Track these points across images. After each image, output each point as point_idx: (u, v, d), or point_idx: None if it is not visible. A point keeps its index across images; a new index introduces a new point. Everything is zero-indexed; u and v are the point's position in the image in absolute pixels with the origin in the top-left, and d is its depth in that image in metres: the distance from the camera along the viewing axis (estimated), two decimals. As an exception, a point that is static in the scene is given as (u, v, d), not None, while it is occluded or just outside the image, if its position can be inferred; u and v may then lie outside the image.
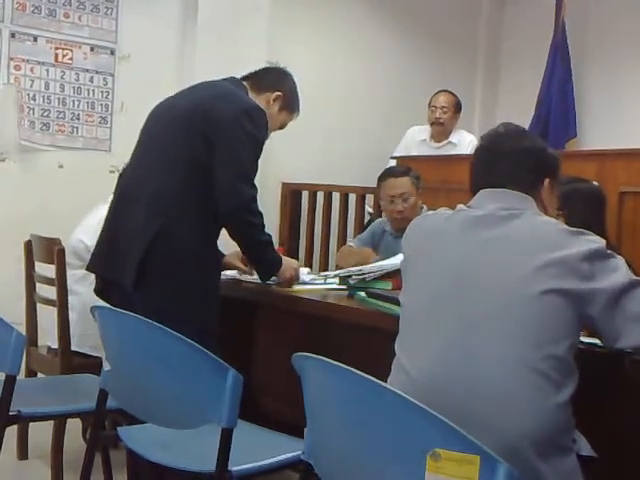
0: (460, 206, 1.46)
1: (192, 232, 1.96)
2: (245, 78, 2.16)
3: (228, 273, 2.34)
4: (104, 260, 2.06)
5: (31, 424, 2.57)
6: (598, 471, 1.32)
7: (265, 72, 2.19)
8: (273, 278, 2.17)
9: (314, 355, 1.17)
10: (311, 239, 4.04)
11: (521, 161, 1.45)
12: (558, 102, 4.41)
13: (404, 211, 2.68)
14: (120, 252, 1.98)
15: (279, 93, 2.15)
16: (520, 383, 1.21)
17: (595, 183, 2.43)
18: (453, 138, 4.03)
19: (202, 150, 1.96)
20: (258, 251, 2.08)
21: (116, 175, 2.27)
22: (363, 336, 1.96)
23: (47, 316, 2.61)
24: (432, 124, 4.03)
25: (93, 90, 3.58)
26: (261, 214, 2.01)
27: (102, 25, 3.59)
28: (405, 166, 2.99)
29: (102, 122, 3.61)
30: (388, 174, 2.79)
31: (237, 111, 1.97)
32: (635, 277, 1.31)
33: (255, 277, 2.22)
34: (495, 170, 1.46)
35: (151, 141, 2.08)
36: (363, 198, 3.86)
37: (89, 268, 2.13)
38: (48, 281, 2.53)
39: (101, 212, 2.24)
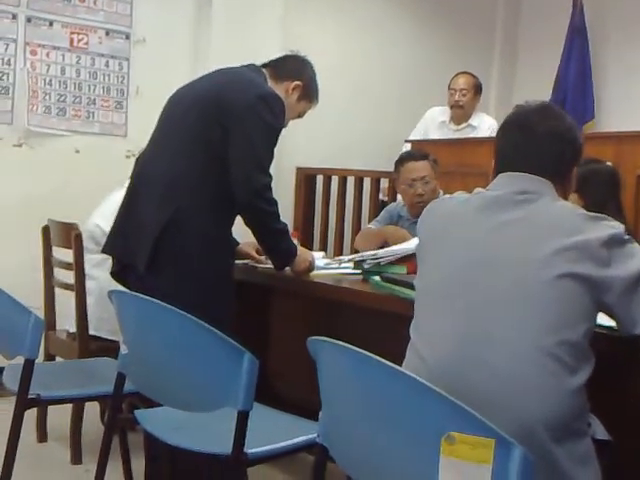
0: (478, 189, 1.43)
1: (207, 218, 1.97)
2: (265, 65, 2.15)
3: (242, 262, 2.33)
4: (119, 243, 2.07)
5: (50, 407, 2.60)
6: (613, 454, 1.32)
7: (285, 60, 2.18)
8: (287, 269, 2.15)
9: (329, 339, 1.17)
10: (326, 223, 4.04)
11: (557, 151, 1.37)
12: (576, 84, 4.35)
13: (424, 195, 2.66)
14: (134, 236, 2.00)
15: (298, 82, 2.13)
16: (535, 368, 1.20)
17: (609, 163, 2.39)
18: (473, 121, 3.97)
19: (219, 137, 1.95)
20: (273, 239, 2.07)
21: (132, 160, 2.27)
22: (377, 320, 1.96)
23: (65, 300, 2.65)
24: (452, 107, 3.97)
25: (109, 75, 3.59)
26: (276, 202, 2.00)
27: (117, 9, 3.59)
28: (423, 150, 2.97)
29: (118, 107, 3.62)
30: (408, 158, 2.77)
31: (252, 98, 1.96)
32: None
33: (270, 266, 2.20)
34: (526, 155, 1.37)
35: (169, 127, 2.08)
36: (378, 182, 3.85)
37: (104, 249, 2.14)
38: (66, 266, 2.55)
39: (118, 197, 2.25)
